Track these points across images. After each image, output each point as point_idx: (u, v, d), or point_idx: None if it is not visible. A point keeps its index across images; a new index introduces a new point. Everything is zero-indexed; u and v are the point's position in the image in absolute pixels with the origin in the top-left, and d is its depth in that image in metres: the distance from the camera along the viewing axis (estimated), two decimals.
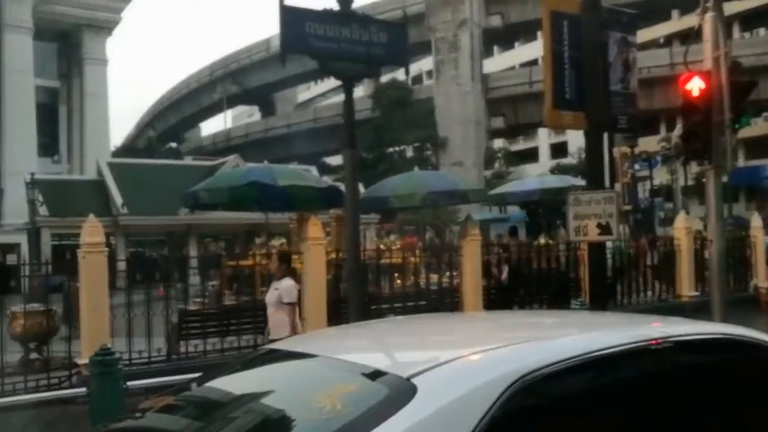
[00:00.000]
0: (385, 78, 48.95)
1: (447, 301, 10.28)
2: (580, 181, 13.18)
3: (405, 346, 2.63)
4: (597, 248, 7.54)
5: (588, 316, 4.08)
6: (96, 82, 52.36)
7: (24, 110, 43.69)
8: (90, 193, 33.10)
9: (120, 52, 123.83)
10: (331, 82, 67.02)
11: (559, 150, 59.22)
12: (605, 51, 7.62)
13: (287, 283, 7.34)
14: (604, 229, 6.84)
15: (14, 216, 37.40)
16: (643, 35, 40.77)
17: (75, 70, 53.06)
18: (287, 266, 7.57)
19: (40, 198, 31.33)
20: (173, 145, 68.32)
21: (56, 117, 52.51)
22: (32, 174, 31.34)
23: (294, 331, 7.11)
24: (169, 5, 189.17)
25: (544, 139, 64.19)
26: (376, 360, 2.33)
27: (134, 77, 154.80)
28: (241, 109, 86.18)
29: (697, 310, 10.11)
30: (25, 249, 30.97)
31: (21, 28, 44.54)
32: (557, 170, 42.36)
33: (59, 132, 52.75)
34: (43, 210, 31.46)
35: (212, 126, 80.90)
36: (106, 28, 53.72)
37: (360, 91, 57.48)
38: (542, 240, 13.48)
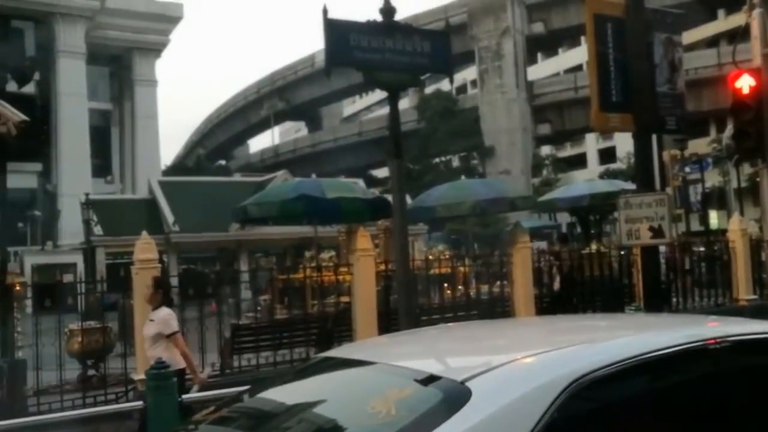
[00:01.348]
0: (429, 89, 49.07)
1: (498, 310, 10.17)
2: (631, 185, 12.91)
3: (458, 351, 2.62)
4: (650, 252, 7.37)
5: (643, 318, 3.99)
6: (146, 103, 53.93)
7: (78, 133, 45.21)
8: (142, 212, 33.95)
9: (169, 73, 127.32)
10: (376, 96, 67.67)
11: (607, 155, 58.23)
12: (651, 52, 7.49)
13: (163, 313, 6.56)
14: (657, 232, 6.69)
15: (71, 236, 38.64)
16: (690, 36, 39.89)
17: (126, 92, 54.77)
18: (164, 294, 6.77)
19: (95, 218, 32.23)
20: (222, 162, 69.67)
21: (109, 138, 54.21)
22: (87, 195, 32.33)
23: (189, 362, 6.53)
24: (215, 25, 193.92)
25: (591, 144, 63.23)
26: (430, 365, 2.32)
27: (183, 97, 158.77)
28: (289, 125, 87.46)
29: (757, 313, 9.75)
30: (81, 268, 31.97)
31: (75, 53, 46.19)
32: (606, 175, 41.65)
33: (112, 153, 54.42)
34: (97, 229, 32.35)
35: (260, 142, 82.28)
36: (155, 50, 55.33)
37: (405, 102, 57.66)
38: (593, 246, 13.23)
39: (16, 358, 8.80)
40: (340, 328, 9.21)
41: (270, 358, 8.99)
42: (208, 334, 8.81)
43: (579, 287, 11.31)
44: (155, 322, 6.53)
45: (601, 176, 41.29)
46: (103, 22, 48.60)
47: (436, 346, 2.75)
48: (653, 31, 7.61)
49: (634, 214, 6.85)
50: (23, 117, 8.67)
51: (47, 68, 44.68)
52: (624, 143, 43.51)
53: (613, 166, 49.92)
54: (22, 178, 40.97)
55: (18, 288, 10.33)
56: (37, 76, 44.10)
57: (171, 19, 54.67)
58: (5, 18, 42.70)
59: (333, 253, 13.42)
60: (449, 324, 4.40)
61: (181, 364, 6.46)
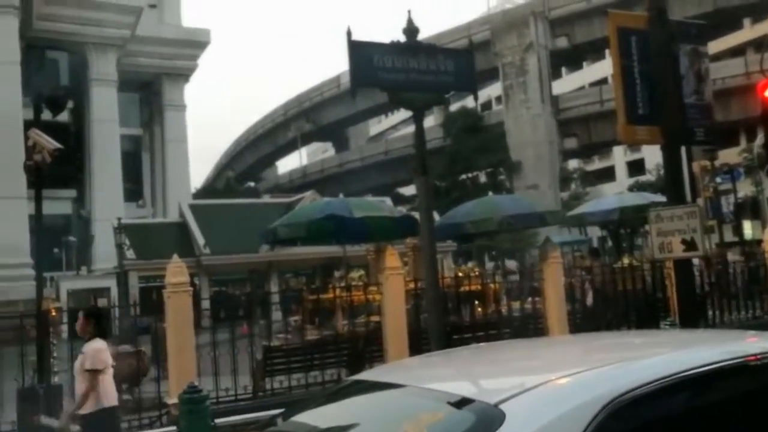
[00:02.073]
0: (454, 106, 49.15)
1: (531, 327, 10.06)
2: (661, 198, 12.73)
3: (491, 373, 2.59)
4: (683, 265, 7.24)
5: (679, 334, 3.92)
6: (176, 128, 54.87)
7: (110, 159, 46.10)
8: (173, 235, 34.35)
9: (198, 97, 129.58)
10: (402, 114, 67.96)
11: (635, 167, 57.62)
12: (676, 64, 7.43)
13: (93, 345, 6.07)
14: (689, 245, 6.58)
15: (104, 261, 39.25)
16: (716, 46, 39.42)
17: (156, 117, 55.82)
18: (96, 325, 6.28)
19: (127, 242, 32.71)
20: (251, 184, 70.37)
21: (140, 163, 55.21)
22: (119, 219, 32.88)
23: (82, 401, 5.95)
24: (242, 49, 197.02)
25: (619, 157, 62.64)
26: (463, 387, 2.30)
27: (213, 120, 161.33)
28: (316, 145, 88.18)
29: None
30: (115, 292, 32.43)
31: (106, 81, 47.27)
32: (636, 188, 41.17)
33: (143, 177, 55.38)
34: (130, 253, 32.79)
35: (288, 164, 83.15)
36: (183, 75, 56.38)
37: (430, 120, 57.85)
38: (625, 259, 13.05)
39: (52, 383, 8.94)
40: (371, 348, 9.19)
41: (302, 379, 8.99)
42: (240, 356, 8.85)
43: (612, 302, 11.15)
44: (85, 355, 6.06)
45: (631, 189, 40.85)
46: (133, 49, 49.71)
47: (469, 368, 2.72)
48: (678, 42, 7.55)
49: (666, 228, 6.76)
50: (57, 145, 8.88)
51: (80, 96, 45.78)
52: (653, 155, 42.99)
53: (642, 178, 49.36)
54: (57, 204, 41.84)
55: (54, 313, 10.52)
56: (70, 104, 45.19)
57: (198, 44, 55.70)
58: (41, 49, 43.95)
59: (362, 272, 13.44)
60: (481, 344, 4.36)
61: (112, 400, 6.06)
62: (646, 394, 1.95)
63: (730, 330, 8.80)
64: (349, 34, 6.69)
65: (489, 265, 35.73)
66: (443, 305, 8.34)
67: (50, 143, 8.72)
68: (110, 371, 6.20)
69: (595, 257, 14.06)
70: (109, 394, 6.03)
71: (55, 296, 30.47)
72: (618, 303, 11.17)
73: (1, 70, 35.87)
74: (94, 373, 5.95)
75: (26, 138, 9.14)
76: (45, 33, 43.61)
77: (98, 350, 6.08)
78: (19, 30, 38.08)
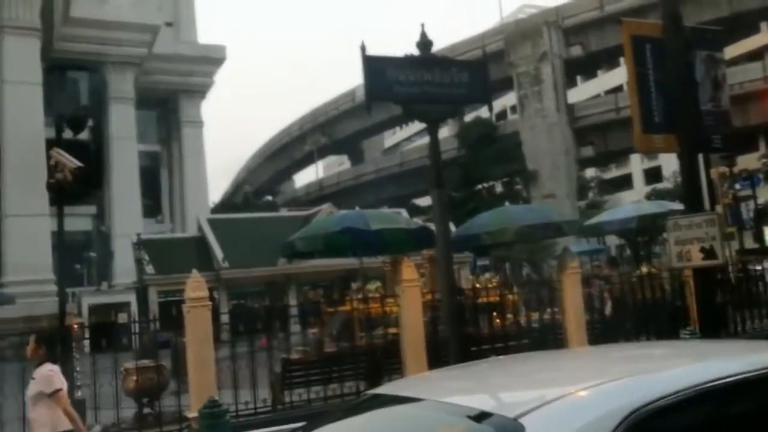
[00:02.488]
0: (469, 117, 49.16)
1: (550, 338, 10.00)
2: (679, 206, 12.62)
3: (510, 386, 2.59)
4: (703, 274, 7.17)
5: (700, 345, 3.88)
6: (193, 144, 55.46)
7: (129, 175, 46.67)
8: (192, 250, 34.57)
9: (215, 113, 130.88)
10: (416, 126, 68.00)
11: (653, 175, 57.23)
12: (692, 71, 7.39)
13: (45, 369, 5.89)
14: (708, 254, 6.53)
15: (124, 276, 39.64)
16: (733, 50, 39.12)
17: (174, 133, 56.47)
18: (47, 350, 6.09)
19: (146, 257, 33.01)
20: (269, 198, 70.82)
21: (158, 179, 55.82)
22: (138, 235, 33.20)
23: (73, 422, 5.83)
24: (257, 64, 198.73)
25: (636, 165, 62.24)
26: (482, 401, 2.30)
27: (230, 135, 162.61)
28: (332, 158, 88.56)
29: None
30: (135, 307, 32.70)
31: (125, 99, 47.96)
32: (653, 196, 40.84)
33: (161, 193, 55.99)
34: (149, 269, 33.07)
35: (305, 177, 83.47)
36: (200, 92, 57.04)
37: (445, 131, 57.84)
38: (644, 268, 12.94)
39: (76, 398, 9.02)
40: (389, 360, 9.18)
41: (321, 392, 9.00)
42: (259, 370, 8.89)
43: (631, 312, 11.06)
44: (36, 380, 5.88)
45: (648, 197, 40.54)
46: (151, 67, 50.40)
47: (488, 381, 2.72)
48: (693, 49, 7.52)
49: (684, 236, 6.71)
50: (78, 163, 9.03)
51: (100, 114, 46.47)
52: (670, 162, 42.68)
53: (659, 186, 48.96)
54: (78, 220, 42.48)
55: (76, 328, 10.65)
56: (90, 122, 45.82)
57: (214, 61, 56.34)
58: (62, 69, 44.74)
59: (379, 284, 13.44)
60: (500, 357, 4.35)
61: (66, 425, 5.86)
62: (667, 406, 1.95)
63: (752, 340, 8.69)
64: (363, 48, 6.74)
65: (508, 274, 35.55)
66: (461, 317, 8.31)
67: (71, 162, 8.87)
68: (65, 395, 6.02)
69: (614, 266, 13.93)
70: (62, 418, 5.82)
71: (77, 311, 30.82)
72: (637, 312, 11.08)
73: (24, 91, 36.60)
74: (57, 394, 5.80)
75: (48, 157, 9.30)
76: (65, 53, 44.47)
77: (52, 373, 5.92)
78: (41, 51, 38.80)
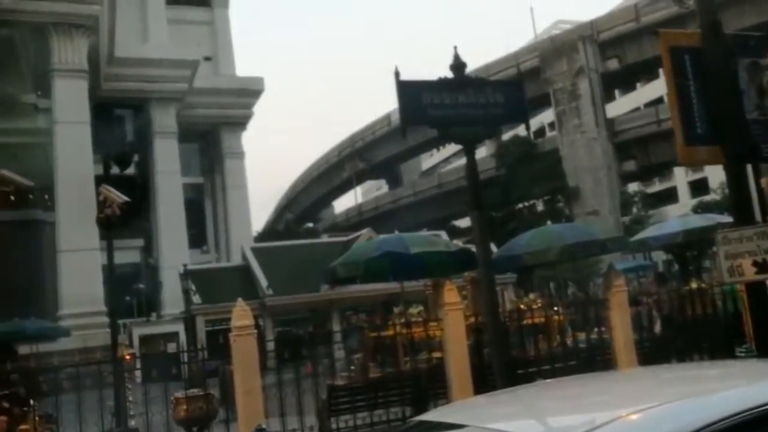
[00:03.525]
0: (507, 135, 48.96)
1: (598, 359, 9.78)
2: (728, 218, 12.29)
3: (557, 411, 2.53)
4: (757, 288, 6.93)
5: (757, 365, 3.74)
6: (235, 174, 56.48)
7: (174, 208, 47.70)
8: (237, 278, 35.00)
9: (255, 142, 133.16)
10: (453, 147, 67.94)
11: (699, 187, 55.87)
12: (735, 79, 7.20)
13: None
14: (762, 267, 6.30)
15: (172, 306, 40.36)
16: None
17: (216, 165, 57.65)
18: None
19: (193, 287, 33.56)
20: (310, 225, 71.48)
21: (202, 210, 56.92)
22: (185, 265, 33.81)
23: None
24: (295, 93, 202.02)
25: (681, 177, 60.90)
26: (528, 427, 2.27)
27: (271, 164, 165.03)
28: (370, 183, 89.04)
29: None
30: (183, 337, 33.19)
31: (168, 133, 49.23)
32: (700, 209, 39.81)
33: (206, 223, 57.05)
34: (196, 298, 33.60)
35: (344, 203, 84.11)
36: (240, 123, 58.21)
37: (483, 151, 57.66)
38: (693, 284, 12.57)
39: (129, 427, 9.19)
40: (434, 385, 9.09)
41: (367, 418, 8.96)
42: (305, 396, 8.91)
43: (682, 329, 10.74)
44: None
45: (695, 210, 39.52)
46: (192, 101, 51.73)
47: (535, 406, 2.67)
48: (735, 57, 7.34)
49: (735, 250, 6.50)
50: (125, 198, 9.32)
51: (144, 149, 47.82)
52: (717, 173, 41.56)
53: (706, 198, 47.68)
54: (126, 253, 43.59)
55: (128, 359, 10.87)
56: (136, 157, 47.24)
57: (253, 92, 57.53)
58: (108, 107, 46.33)
59: (421, 307, 13.37)
60: (548, 381, 4.27)
61: None
62: (723, 430, 1.88)
63: None
64: (397, 74, 6.79)
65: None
66: (505, 339, 8.19)
67: (119, 197, 9.15)
68: None
69: (662, 283, 13.58)
70: None
71: (128, 342, 31.44)
72: (688, 330, 10.75)
73: (74, 131, 38.04)
74: None
75: (98, 193, 9.62)
76: (111, 92, 46.06)
77: None
78: (89, 92, 40.35)
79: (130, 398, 10.14)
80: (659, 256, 36.59)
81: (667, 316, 11.06)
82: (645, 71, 50.85)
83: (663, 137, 39.46)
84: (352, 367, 10.95)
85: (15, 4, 36.42)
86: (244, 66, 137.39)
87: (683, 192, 60.74)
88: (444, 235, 37.24)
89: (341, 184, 72.62)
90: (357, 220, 64.26)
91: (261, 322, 29.82)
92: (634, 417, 2.01)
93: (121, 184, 10.10)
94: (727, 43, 7.31)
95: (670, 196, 60.39)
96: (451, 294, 8.92)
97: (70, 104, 38.26)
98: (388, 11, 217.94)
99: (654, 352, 10.29)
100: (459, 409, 3.29)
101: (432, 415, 3.11)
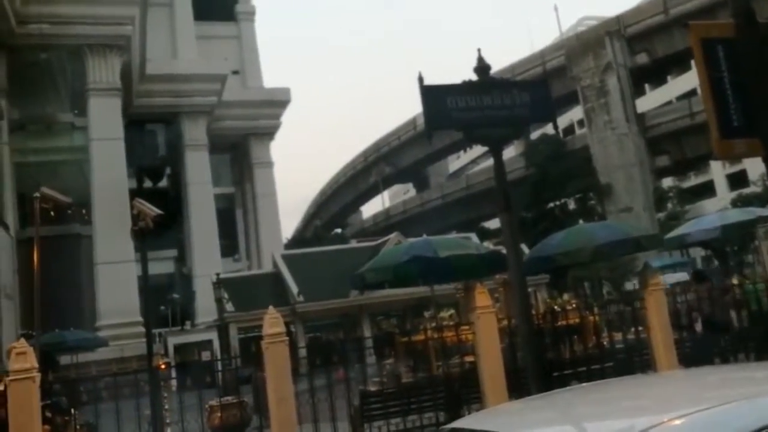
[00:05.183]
0: (535, 134, 48.54)
1: (636, 360, 9.54)
2: None
3: (594, 416, 2.44)
4: None
5: None
6: (265, 183, 57.12)
7: (206, 218, 48.38)
8: (268, 286, 35.26)
9: (284, 151, 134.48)
10: (481, 148, 67.68)
11: (737, 180, 54.56)
12: None
13: None
14: None
15: (205, 315, 40.86)
16: None
17: (246, 175, 58.36)
18: None
19: (226, 295, 33.90)
20: (338, 230, 71.76)
21: (233, 219, 57.61)
22: (217, 274, 34.17)
23: None
24: (319, 102, 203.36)
25: (718, 170, 59.57)
26: None
27: (300, 171, 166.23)
28: (397, 187, 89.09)
29: None
30: (216, 345, 33.54)
31: (199, 146, 50.05)
32: (740, 202, 38.87)
33: (237, 232, 57.74)
34: (229, 306, 33.93)
35: (372, 207, 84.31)
36: (268, 133, 58.91)
37: (511, 150, 57.30)
38: (735, 280, 12.24)
39: None
40: (467, 389, 8.97)
41: (400, 424, 8.88)
42: (337, 403, 8.87)
43: (724, 328, 10.43)
44: None
45: (734, 203, 38.61)
46: (221, 114, 52.57)
47: (571, 411, 2.58)
48: None
49: None
50: (159, 211, 9.41)
51: (176, 162, 48.61)
52: (756, 165, 40.60)
53: (746, 191, 46.51)
54: (161, 264, 44.37)
55: (164, 368, 10.97)
56: (168, 170, 47.92)
57: (280, 103, 58.24)
58: (140, 123, 47.40)
59: (452, 311, 13.25)
60: (584, 384, 4.15)
61: None
62: None
63: None
64: (420, 79, 6.73)
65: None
66: (540, 342, 8.04)
67: (152, 210, 9.24)
68: None
69: (700, 281, 13.22)
70: None
71: (164, 351, 31.89)
72: (731, 329, 10.45)
73: (108, 147, 39.13)
74: None
75: (131, 207, 9.76)
76: (143, 108, 47.15)
77: None
78: (122, 108, 41.42)
79: (166, 406, 10.22)
80: (697, 253, 35.88)
81: (708, 314, 10.75)
82: (676, 64, 49.97)
83: (697, 130, 38.70)
84: (384, 373, 10.89)
85: (53, 29, 37.88)
86: (271, 77, 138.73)
87: (721, 185, 59.40)
88: (474, 237, 37.04)
89: (368, 190, 72.79)
90: (385, 224, 64.29)
91: (292, 328, 29.97)
92: (678, 422, 1.91)
93: (154, 196, 10.22)
94: (761, 31, 7.10)
95: (707, 190, 59.15)
96: (482, 297, 8.78)
97: (104, 121, 39.37)
98: (412, 12, 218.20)
99: (695, 352, 10.02)
100: (493, 415, 3.20)
101: (466, 422, 3.03)
